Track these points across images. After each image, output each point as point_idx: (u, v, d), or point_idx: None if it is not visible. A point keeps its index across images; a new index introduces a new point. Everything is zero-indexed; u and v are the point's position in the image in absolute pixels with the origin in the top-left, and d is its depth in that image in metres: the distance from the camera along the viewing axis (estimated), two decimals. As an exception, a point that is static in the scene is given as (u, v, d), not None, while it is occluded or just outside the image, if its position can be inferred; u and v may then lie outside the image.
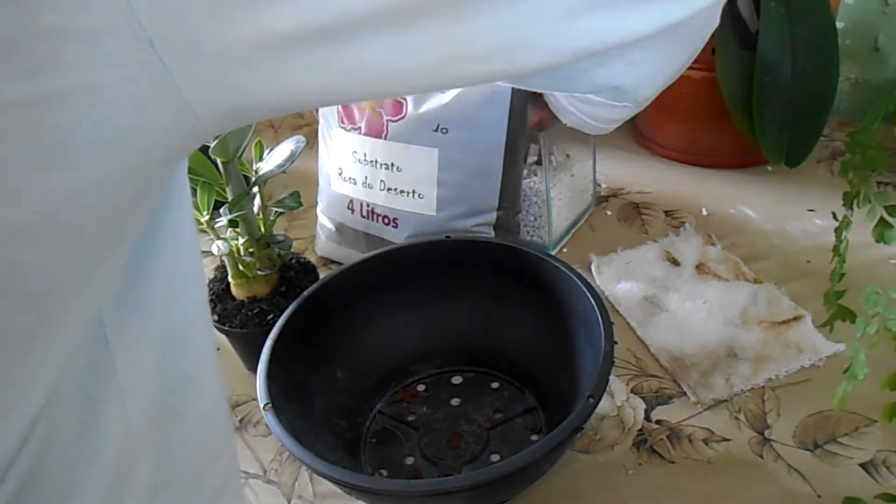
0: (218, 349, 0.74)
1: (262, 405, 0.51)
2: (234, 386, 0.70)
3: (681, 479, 0.55)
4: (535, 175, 0.77)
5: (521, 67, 0.29)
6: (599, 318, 0.53)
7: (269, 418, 0.50)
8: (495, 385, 0.65)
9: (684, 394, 0.62)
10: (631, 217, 0.84)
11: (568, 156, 0.81)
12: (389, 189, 0.71)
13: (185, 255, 0.32)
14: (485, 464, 0.58)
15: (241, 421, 0.66)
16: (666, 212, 0.84)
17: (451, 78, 0.28)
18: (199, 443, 0.33)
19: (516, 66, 0.28)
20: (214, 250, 0.61)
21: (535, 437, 0.60)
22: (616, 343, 0.51)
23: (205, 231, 0.62)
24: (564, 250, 0.80)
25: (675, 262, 0.75)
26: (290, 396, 0.55)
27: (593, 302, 0.54)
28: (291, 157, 0.59)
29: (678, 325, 0.68)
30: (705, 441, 0.58)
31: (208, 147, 0.57)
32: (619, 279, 0.74)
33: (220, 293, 0.67)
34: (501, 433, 0.61)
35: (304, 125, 1.17)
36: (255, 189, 0.63)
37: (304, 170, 0.87)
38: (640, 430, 0.59)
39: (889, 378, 0.43)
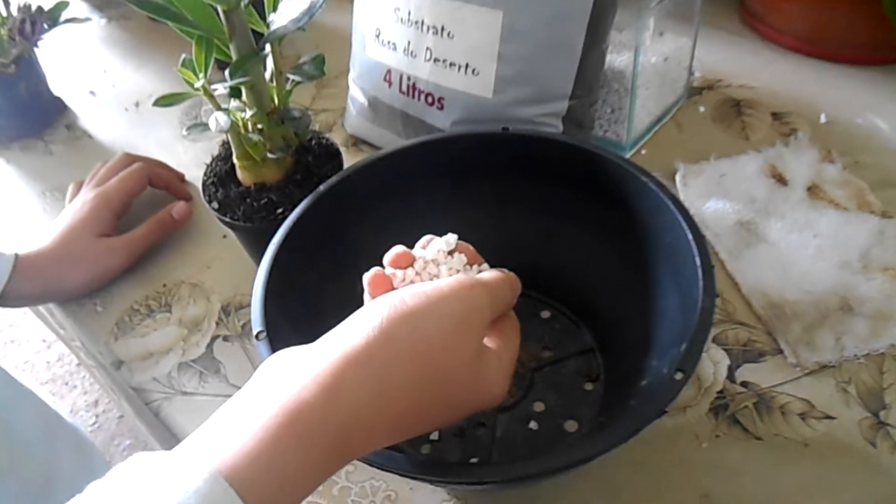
0: (224, 236, 0.64)
1: (254, 333, 0.40)
2: (239, 284, 0.60)
3: (768, 462, 0.44)
4: (620, 55, 0.61)
5: None
6: (697, 259, 0.40)
7: (263, 350, 0.40)
8: (546, 314, 0.54)
9: (780, 352, 0.50)
10: (728, 117, 0.69)
11: (661, 34, 0.65)
12: (437, 60, 0.57)
13: None
14: (524, 413, 0.48)
15: (242, 327, 0.57)
16: (774, 114, 0.68)
17: None
18: None
19: None
20: (212, 124, 0.48)
21: (589, 386, 0.49)
22: (717, 296, 0.39)
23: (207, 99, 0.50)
24: (643, 152, 0.66)
25: (781, 181, 0.61)
26: (295, 318, 0.45)
27: (690, 237, 0.41)
28: (310, 10, 0.45)
29: (779, 261, 0.55)
30: (802, 416, 0.46)
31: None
32: (710, 196, 0.61)
33: (223, 175, 0.55)
34: (549, 376, 0.50)
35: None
36: (267, 49, 0.50)
37: (342, 26, 0.73)
38: (721, 392, 0.48)
39: None
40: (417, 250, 0.40)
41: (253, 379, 0.31)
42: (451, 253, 0.39)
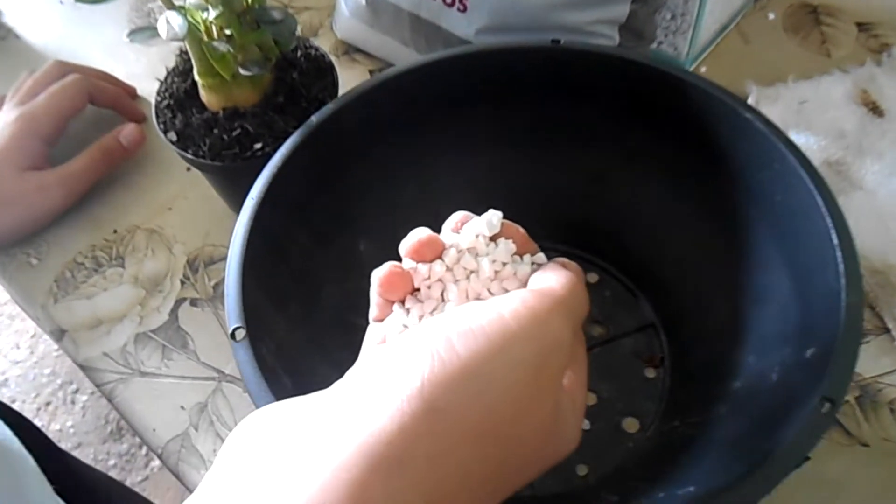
0: (189, 169, 0.52)
1: (230, 330, 0.29)
2: (209, 231, 0.49)
3: (879, 475, 0.36)
4: (688, -55, 0.48)
5: None
6: (834, 236, 0.29)
7: (242, 354, 0.29)
8: (594, 278, 0.44)
9: (887, 331, 0.40)
10: (804, 27, 0.56)
11: (736, -83, 0.51)
12: (460, -55, 0.44)
13: None
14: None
15: (215, 288, 0.46)
16: (859, 24, 0.56)
17: None
18: None
19: None
20: (163, 29, 0.35)
21: (650, 373, 0.40)
22: (864, 288, 0.29)
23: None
24: (703, 69, 0.54)
25: (875, 110, 0.50)
26: (282, 294, 0.34)
27: (821, 202, 0.30)
28: None
29: (879, 214, 0.45)
30: (918, 415, 0.38)
31: None
32: (788, 127, 0.49)
33: (181, 96, 0.42)
34: (601, 358, 0.41)
35: None
36: (235, -78, 0.36)
37: None
38: (815, 382, 0.39)
39: None
40: (447, 234, 0.28)
41: (220, 473, 0.20)
42: (493, 239, 0.28)
